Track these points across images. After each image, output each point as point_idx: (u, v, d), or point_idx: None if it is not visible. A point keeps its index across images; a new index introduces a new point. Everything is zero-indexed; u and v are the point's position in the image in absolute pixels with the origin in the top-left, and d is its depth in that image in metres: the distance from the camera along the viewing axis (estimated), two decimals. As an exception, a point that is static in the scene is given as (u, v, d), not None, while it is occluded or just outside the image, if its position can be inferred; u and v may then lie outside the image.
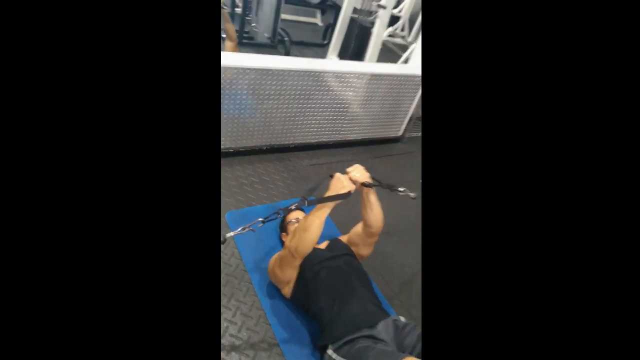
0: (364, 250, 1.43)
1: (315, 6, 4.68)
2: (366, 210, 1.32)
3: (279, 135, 2.12)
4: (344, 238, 1.49)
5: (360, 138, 2.49)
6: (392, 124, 2.58)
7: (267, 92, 1.88)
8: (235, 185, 1.88)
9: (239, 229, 1.11)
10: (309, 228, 1.15)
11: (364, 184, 1.22)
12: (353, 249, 1.44)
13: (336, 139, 2.38)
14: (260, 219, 1.15)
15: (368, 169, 1.27)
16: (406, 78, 2.30)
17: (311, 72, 1.92)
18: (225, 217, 1.68)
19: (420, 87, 2.42)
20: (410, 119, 2.66)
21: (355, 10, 3.18)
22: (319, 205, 1.16)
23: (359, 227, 1.43)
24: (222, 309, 1.30)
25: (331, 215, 1.75)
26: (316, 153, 2.32)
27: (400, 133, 2.69)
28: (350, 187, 1.17)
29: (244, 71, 1.73)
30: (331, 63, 2.15)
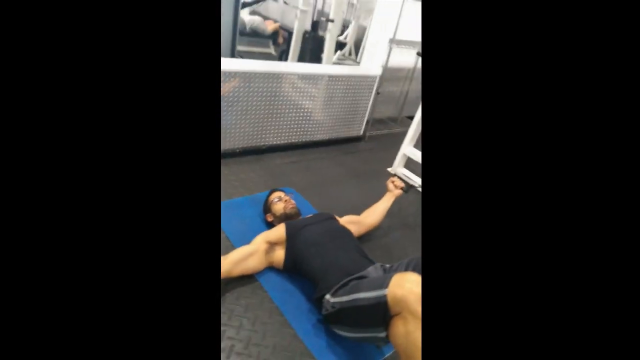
0: (353, 231, 1.57)
1: (268, 37, 5.00)
2: (382, 207, 1.74)
3: (250, 137, 2.24)
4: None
5: (326, 138, 2.68)
6: (353, 124, 2.80)
7: (235, 95, 2.02)
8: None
9: None
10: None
11: (402, 189, 1.76)
12: (342, 223, 1.57)
13: (305, 139, 2.54)
14: None
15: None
16: (360, 78, 2.55)
17: (275, 74, 2.10)
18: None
19: (374, 88, 2.69)
20: (368, 121, 2.90)
21: (305, 33, 3.50)
22: None
23: (356, 217, 1.68)
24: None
25: (310, 199, 1.89)
26: (288, 153, 2.46)
27: (361, 132, 2.91)
28: None
29: (214, 75, 1.87)
30: (292, 65, 2.36)
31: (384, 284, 1.00)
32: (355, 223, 1.65)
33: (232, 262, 1.29)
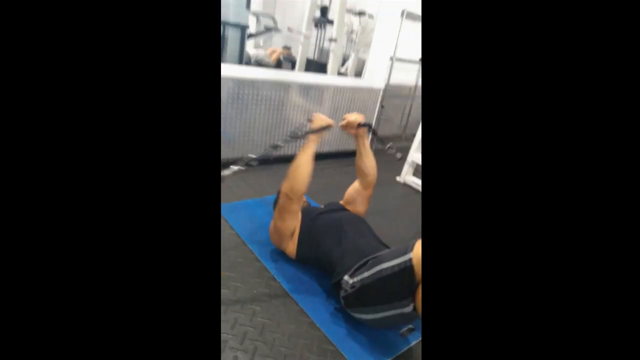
0: (360, 207, 1.51)
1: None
2: (361, 158, 1.45)
3: (258, 147, 2.25)
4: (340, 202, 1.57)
5: (333, 151, 2.69)
6: (360, 138, 2.83)
7: (244, 102, 2.06)
8: (223, 187, 1.93)
9: (236, 167, 1.17)
10: (299, 165, 1.24)
11: (359, 124, 1.37)
12: (350, 207, 1.51)
13: (311, 151, 2.55)
14: (253, 156, 1.24)
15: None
16: (365, 91, 2.62)
17: (283, 82, 2.16)
18: (218, 209, 1.70)
19: (378, 101, 2.75)
20: (372, 139, 2.93)
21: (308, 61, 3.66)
22: (305, 143, 1.27)
23: (354, 184, 1.53)
24: (229, 280, 1.27)
25: (315, 198, 1.86)
26: (295, 164, 2.46)
27: (367, 146, 2.93)
28: (329, 122, 1.30)
29: (223, 80, 1.92)
30: (300, 75, 2.44)
31: (408, 249, 0.94)
32: (356, 192, 1.51)
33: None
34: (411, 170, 2.48)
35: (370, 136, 1.51)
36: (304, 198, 1.60)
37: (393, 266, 0.95)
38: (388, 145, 1.55)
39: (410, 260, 0.91)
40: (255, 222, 1.64)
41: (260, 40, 4.71)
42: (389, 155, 1.55)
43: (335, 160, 2.69)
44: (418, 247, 0.92)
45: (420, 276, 0.90)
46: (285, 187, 1.26)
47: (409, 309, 0.95)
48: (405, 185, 2.48)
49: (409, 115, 3.54)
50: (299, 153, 1.28)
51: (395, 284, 0.95)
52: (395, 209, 2.15)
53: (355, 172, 1.53)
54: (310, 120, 1.36)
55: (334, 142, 2.67)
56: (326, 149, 2.63)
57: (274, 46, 4.83)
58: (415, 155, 2.41)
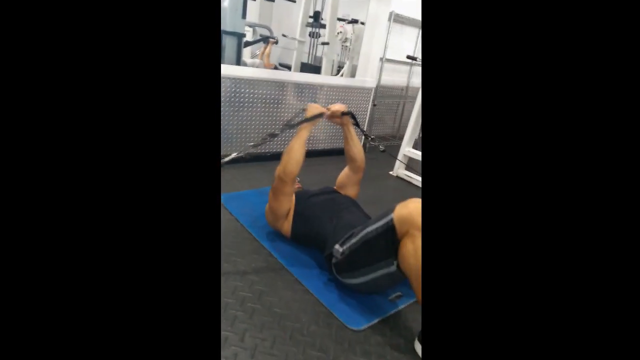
0: (351, 190, 1.61)
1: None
2: (348, 143, 1.56)
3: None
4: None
5: (328, 148, 2.80)
6: (353, 136, 2.94)
7: (241, 101, 2.18)
8: (223, 180, 2.03)
9: (234, 154, 1.27)
10: (292, 149, 1.35)
11: (343, 113, 1.47)
12: (342, 191, 1.61)
13: (307, 148, 2.66)
14: (251, 144, 1.34)
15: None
16: (357, 89, 2.74)
17: (279, 81, 2.28)
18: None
19: (370, 100, 2.87)
20: (366, 136, 3.05)
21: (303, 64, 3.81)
22: (298, 130, 1.37)
23: (344, 170, 1.63)
24: (229, 256, 1.36)
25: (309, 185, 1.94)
26: (291, 160, 2.56)
27: (361, 144, 3.04)
28: (322, 110, 1.41)
29: (222, 79, 2.04)
30: (295, 74, 2.56)
31: (389, 211, 1.03)
32: (346, 177, 1.60)
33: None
34: (403, 164, 2.58)
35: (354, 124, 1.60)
36: (299, 184, 1.70)
37: (377, 228, 1.05)
38: (371, 137, 1.71)
39: (391, 220, 1.00)
40: (252, 209, 1.73)
41: (257, 49, 4.88)
42: (384, 155, 1.64)
43: (330, 158, 2.79)
44: (398, 208, 1.01)
45: (401, 235, 0.99)
46: (278, 170, 1.36)
47: (393, 267, 1.03)
48: (398, 178, 2.58)
49: (402, 115, 3.66)
50: (293, 139, 1.38)
51: (380, 245, 1.04)
52: (388, 199, 2.24)
53: (345, 159, 1.63)
54: (304, 110, 1.46)
55: (327, 140, 2.78)
56: (320, 146, 2.74)
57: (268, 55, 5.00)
58: (406, 149, 2.51)
